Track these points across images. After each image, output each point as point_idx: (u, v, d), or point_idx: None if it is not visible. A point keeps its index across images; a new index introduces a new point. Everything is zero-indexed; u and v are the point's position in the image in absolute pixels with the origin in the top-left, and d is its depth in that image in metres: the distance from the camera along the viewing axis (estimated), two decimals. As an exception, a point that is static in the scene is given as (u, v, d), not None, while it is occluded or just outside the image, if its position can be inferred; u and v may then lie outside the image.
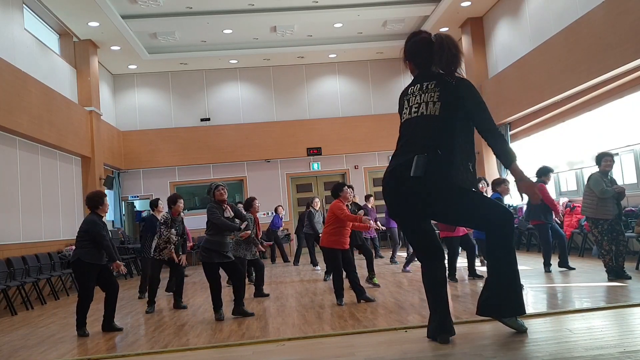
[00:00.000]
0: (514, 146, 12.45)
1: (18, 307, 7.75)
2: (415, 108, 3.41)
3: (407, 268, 8.70)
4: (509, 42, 12.13)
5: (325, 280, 8.38)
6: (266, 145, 15.02)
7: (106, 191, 13.27)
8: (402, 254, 10.71)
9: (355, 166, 15.51)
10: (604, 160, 6.53)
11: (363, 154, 15.34)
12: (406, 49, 3.59)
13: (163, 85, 15.47)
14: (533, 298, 5.78)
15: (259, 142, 15.00)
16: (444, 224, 7.07)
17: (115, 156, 14.18)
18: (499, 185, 7.22)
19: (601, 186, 6.36)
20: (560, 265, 7.52)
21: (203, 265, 5.87)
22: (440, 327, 3.51)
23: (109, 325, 5.59)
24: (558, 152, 10.96)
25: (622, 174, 9.04)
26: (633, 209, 8.29)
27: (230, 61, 15.02)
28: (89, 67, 12.45)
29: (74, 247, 5.90)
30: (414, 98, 3.45)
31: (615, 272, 6.29)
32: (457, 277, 7.29)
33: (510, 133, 12.37)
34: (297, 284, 8.31)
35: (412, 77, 3.63)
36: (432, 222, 11.74)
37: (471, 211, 3.47)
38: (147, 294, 7.11)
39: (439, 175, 3.32)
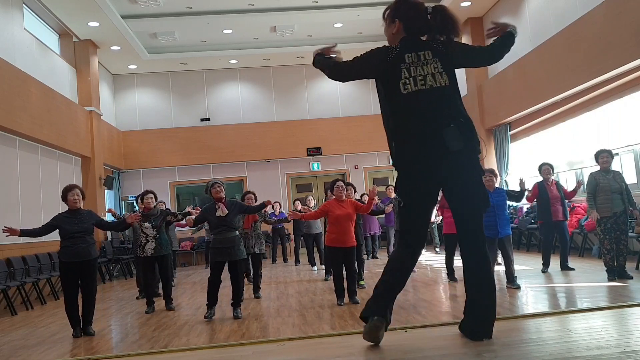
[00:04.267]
0: (514, 146, 12.46)
1: (18, 307, 7.75)
2: (422, 80, 3.19)
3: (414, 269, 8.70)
4: (509, 42, 12.11)
5: (325, 280, 8.37)
6: (266, 145, 15.02)
7: (106, 191, 13.28)
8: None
9: (355, 166, 15.51)
10: (600, 157, 6.55)
11: (363, 154, 15.34)
12: (398, 7, 3.37)
13: (163, 85, 15.47)
14: (533, 298, 5.78)
15: (259, 142, 15.01)
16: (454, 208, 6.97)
17: (115, 156, 14.18)
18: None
19: (590, 186, 6.48)
20: (561, 267, 7.47)
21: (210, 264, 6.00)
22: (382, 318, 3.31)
23: (83, 328, 5.48)
24: (558, 152, 10.96)
25: (622, 174, 9.03)
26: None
27: (230, 61, 15.02)
28: (89, 67, 12.45)
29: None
30: (414, 68, 3.21)
31: (617, 272, 6.29)
32: (456, 276, 7.26)
33: (510, 133, 12.37)
34: (297, 284, 8.31)
35: (392, 39, 3.40)
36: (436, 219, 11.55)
37: (480, 202, 3.31)
38: (144, 294, 7.09)
39: (470, 146, 3.20)
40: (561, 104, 10.21)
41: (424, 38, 3.32)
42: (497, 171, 12.78)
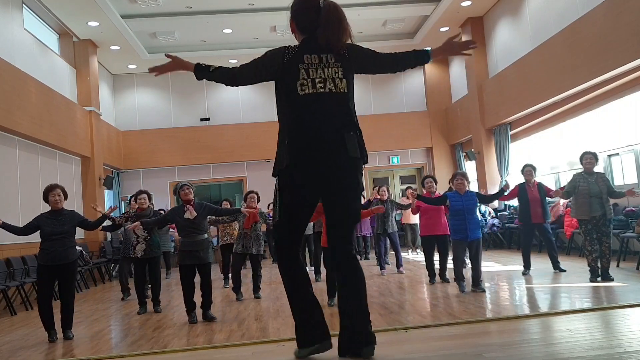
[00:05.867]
0: (514, 146, 12.45)
1: (18, 307, 7.75)
2: (321, 83, 3.07)
3: (401, 269, 8.71)
4: (509, 42, 12.13)
5: (316, 281, 8.27)
6: (266, 145, 14.97)
7: (105, 191, 13.28)
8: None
9: (355, 166, 15.48)
10: (584, 159, 6.55)
11: (363, 154, 15.29)
12: (292, 5, 3.23)
13: (163, 85, 15.46)
14: (533, 298, 5.78)
15: (259, 142, 14.98)
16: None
17: (114, 156, 14.18)
18: (451, 179, 6.56)
19: (569, 185, 6.52)
20: (554, 268, 7.39)
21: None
22: (355, 340, 3.03)
23: (63, 332, 5.38)
24: (558, 152, 10.96)
25: (623, 173, 9.04)
26: (633, 209, 8.27)
27: (230, 61, 14.97)
28: (88, 66, 12.45)
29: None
30: (314, 70, 3.08)
31: (600, 274, 6.30)
32: (448, 277, 7.20)
33: (510, 133, 12.36)
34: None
35: (298, 40, 3.24)
36: (412, 222, 11.41)
37: (356, 214, 3.16)
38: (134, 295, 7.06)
39: (362, 158, 3.17)
40: (561, 104, 10.20)
41: None
42: (492, 175, 12.77)
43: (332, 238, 3.20)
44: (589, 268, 6.39)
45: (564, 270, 7.29)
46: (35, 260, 8.70)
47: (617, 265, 7.44)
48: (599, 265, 6.33)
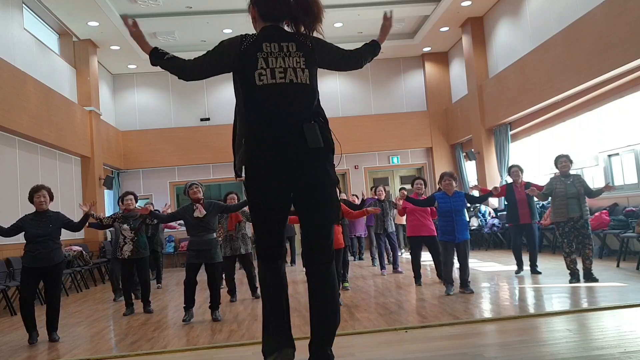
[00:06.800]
0: (514, 146, 12.45)
1: (18, 307, 7.74)
2: (281, 73, 2.87)
3: (399, 268, 8.74)
4: (509, 42, 12.13)
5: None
6: (266, 145, 14.98)
7: (105, 191, 13.27)
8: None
9: (355, 166, 15.50)
10: (559, 162, 6.60)
11: (363, 154, 15.33)
12: None
13: (163, 85, 15.46)
14: (533, 299, 5.78)
15: (259, 142, 14.99)
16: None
17: (114, 156, 14.18)
18: (440, 180, 6.49)
19: (546, 189, 6.56)
20: (531, 271, 7.38)
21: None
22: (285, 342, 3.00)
23: (48, 334, 5.35)
24: (558, 152, 10.93)
25: (623, 173, 9.04)
26: (633, 209, 8.27)
27: (230, 61, 15.00)
28: (88, 66, 12.45)
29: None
30: (274, 60, 2.88)
31: (584, 275, 6.32)
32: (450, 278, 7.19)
33: (510, 133, 12.36)
34: (296, 284, 8.31)
35: (257, 29, 3.07)
36: (403, 223, 11.34)
37: (330, 215, 2.99)
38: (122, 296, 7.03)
39: (327, 147, 2.97)
40: (561, 104, 10.20)
41: (288, 28, 3.06)
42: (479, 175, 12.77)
43: (307, 243, 2.97)
44: (568, 271, 6.42)
45: (540, 273, 7.31)
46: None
47: (617, 265, 7.45)
48: (578, 267, 6.37)
